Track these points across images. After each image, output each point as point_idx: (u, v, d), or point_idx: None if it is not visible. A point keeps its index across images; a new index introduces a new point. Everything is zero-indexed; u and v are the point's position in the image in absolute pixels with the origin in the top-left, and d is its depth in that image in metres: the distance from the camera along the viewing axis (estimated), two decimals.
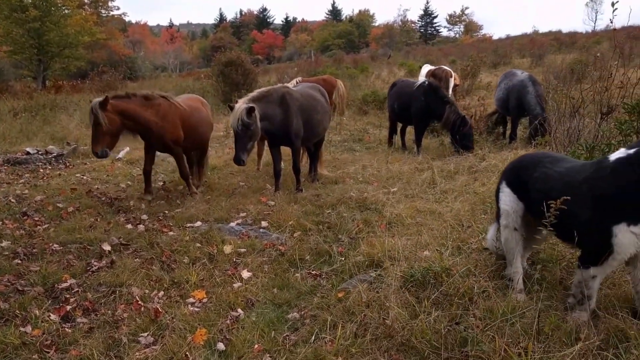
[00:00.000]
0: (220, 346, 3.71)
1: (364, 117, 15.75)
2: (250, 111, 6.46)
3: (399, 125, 11.48)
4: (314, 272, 4.91)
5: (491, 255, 4.51)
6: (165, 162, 9.71)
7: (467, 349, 3.19)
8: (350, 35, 73.22)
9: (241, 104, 6.56)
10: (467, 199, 6.45)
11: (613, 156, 3.34)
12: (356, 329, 3.67)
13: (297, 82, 15.41)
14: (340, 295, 4.24)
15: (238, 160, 6.59)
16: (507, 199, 4.09)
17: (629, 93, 6.34)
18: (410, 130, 11.42)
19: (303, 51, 62.36)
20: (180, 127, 7.15)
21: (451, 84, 16.18)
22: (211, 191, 7.57)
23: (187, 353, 3.56)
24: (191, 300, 4.39)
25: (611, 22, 5.94)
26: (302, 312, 4.17)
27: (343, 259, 5.01)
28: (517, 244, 4.02)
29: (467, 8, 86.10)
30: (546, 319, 3.36)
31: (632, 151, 3.20)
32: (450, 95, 12.49)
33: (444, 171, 8.29)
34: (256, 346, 3.68)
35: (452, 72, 16.98)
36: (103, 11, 35.59)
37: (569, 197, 3.27)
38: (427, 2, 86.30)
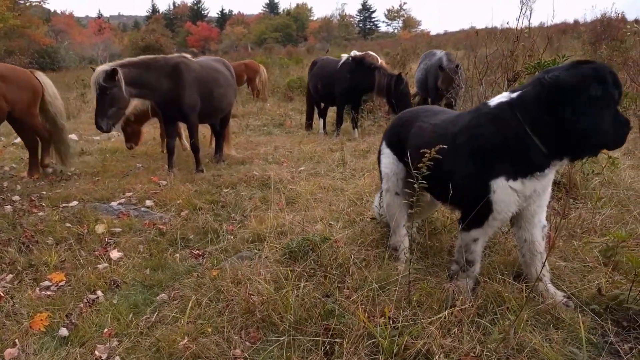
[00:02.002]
0: (63, 331, 3.25)
1: (288, 103, 15.33)
2: (110, 74, 5.90)
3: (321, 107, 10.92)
4: (196, 251, 4.48)
5: (379, 225, 4.19)
6: None
7: (330, 322, 2.82)
8: (288, 29, 72.52)
9: (104, 66, 6.05)
10: (373, 175, 6.15)
11: (493, 101, 2.98)
12: (221, 307, 3.28)
13: None
14: (214, 273, 3.83)
15: (97, 126, 6.11)
16: (387, 160, 3.75)
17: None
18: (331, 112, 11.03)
19: (239, 44, 61.39)
20: None
21: None
22: (103, 172, 6.97)
23: (16, 341, 3.07)
24: (46, 283, 3.90)
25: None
26: (172, 294, 3.73)
27: (232, 237, 4.60)
28: (400, 209, 3.65)
29: (405, 3, 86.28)
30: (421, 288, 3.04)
31: (515, 95, 2.85)
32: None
33: (357, 151, 8.02)
34: (106, 330, 3.24)
35: (379, 57, 16.81)
36: None
37: (444, 146, 2.86)
38: None
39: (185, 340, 2.87)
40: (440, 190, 3.15)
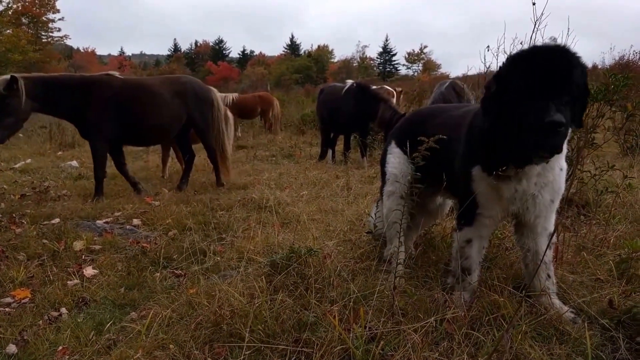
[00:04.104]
0: (11, 348, 2.92)
1: (300, 136, 15.17)
2: (9, 82, 5.79)
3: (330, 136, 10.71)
4: (178, 271, 4.15)
5: (373, 238, 3.86)
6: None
7: (303, 335, 2.46)
8: (308, 70, 73.08)
9: (6, 75, 5.98)
10: (376, 199, 5.82)
11: None
12: (188, 322, 2.94)
13: (233, 98, 14.85)
14: (191, 291, 3.49)
15: None
16: (397, 160, 3.45)
17: None
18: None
19: (259, 84, 62.16)
20: None
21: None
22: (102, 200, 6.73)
23: None
24: (7, 299, 3.58)
25: None
26: (143, 312, 3.40)
27: (219, 258, 4.27)
28: (402, 216, 3.27)
29: (426, 47, 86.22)
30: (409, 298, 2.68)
31: None
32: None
33: (364, 177, 7.76)
34: (60, 348, 2.90)
35: (394, 91, 16.68)
36: (43, 33, 34.40)
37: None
38: (387, 40, 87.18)
39: (139, 354, 2.52)
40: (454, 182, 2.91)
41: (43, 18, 33.90)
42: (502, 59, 5.06)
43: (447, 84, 9.99)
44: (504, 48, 4.57)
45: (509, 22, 4.53)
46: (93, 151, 6.62)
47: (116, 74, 6.89)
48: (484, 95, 2.53)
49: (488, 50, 4.93)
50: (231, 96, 15.15)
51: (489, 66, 5.26)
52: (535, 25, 3.99)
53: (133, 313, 3.41)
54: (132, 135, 6.96)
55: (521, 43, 4.41)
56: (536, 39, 4.07)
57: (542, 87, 2.19)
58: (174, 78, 7.57)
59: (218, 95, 7.76)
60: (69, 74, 6.71)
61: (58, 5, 34.07)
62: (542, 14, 4.02)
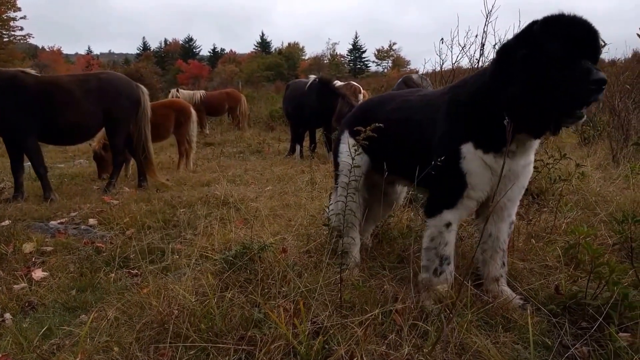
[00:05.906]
0: None
1: (270, 132, 15.07)
2: None
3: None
4: (134, 271, 4.03)
5: (329, 230, 3.79)
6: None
7: (249, 333, 2.37)
8: (279, 68, 72.73)
9: None
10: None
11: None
12: (136, 324, 2.82)
13: (201, 96, 14.71)
14: (145, 291, 3.37)
15: None
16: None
17: None
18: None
19: (231, 82, 61.84)
20: None
21: (360, 99, 15.84)
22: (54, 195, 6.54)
23: None
24: None
25: None
26: (92, 315, 3.26)
27: (177, 256, 4.15)
28: (357, 208, 3.23)
29: (394, 43, 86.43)
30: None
31: None
32: None
33: (329, 172, 7.66)
34: (0, 356, 2.75)
35: (361, 88, 16.66)
36: (4, 32, 33.48)
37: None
38: (356, 37, 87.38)
39: (78, 359, 2.40)
40: (413, 167, 2.75)
41: (3, 16, 33.01)
42: (456, 51, 5.20)
43: (400, 80, 10.06)
44: (458, 40, 4.66)
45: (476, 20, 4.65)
46: (25, 150, 6.42)
47: (32, 71, 6.64)
48: (504, 61, 2.41)
49: (442, 43, 5.04)
50: (199, 93, 15.03)
51: (444, 59, 5.39)
52: (486, 17, 4.07)
53: (83, 316, 3.30)
54: (47, 134, 6.69)
55: (476, 36, 4.53)
56: (487, 31, 4.16)
57: (581, 51, 2.22)
58: (92, 75, 7.28)
59: (147, 95, 7.43)
60: None
61: (19, 3, 33.33)
62: (492, 7, 4.14)
